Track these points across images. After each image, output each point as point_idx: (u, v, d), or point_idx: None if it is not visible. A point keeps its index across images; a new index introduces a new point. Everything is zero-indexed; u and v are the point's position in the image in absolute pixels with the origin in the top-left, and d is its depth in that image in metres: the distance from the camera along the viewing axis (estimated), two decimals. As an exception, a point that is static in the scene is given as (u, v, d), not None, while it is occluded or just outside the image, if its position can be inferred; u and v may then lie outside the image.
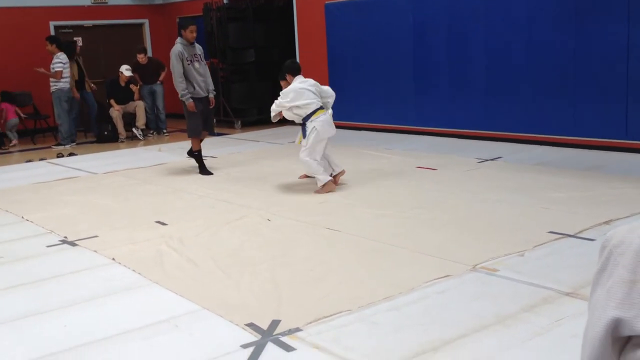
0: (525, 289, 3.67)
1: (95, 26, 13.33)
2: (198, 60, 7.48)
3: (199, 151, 7.72)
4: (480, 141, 8.67)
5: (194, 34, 7.45)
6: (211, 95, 7.69)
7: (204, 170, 7.67)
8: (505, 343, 3.06)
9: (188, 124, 7.68)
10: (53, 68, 10.76)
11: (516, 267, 4.01)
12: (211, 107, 7.76)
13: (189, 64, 7.37)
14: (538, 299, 3.52)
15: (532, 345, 3.01)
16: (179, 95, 7.44)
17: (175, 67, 7.31)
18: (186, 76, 7.36)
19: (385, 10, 9.91)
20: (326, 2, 10.79)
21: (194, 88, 7.41)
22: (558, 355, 2.91)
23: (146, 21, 13.94)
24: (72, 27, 13.08)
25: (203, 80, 7.52)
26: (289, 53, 11.74)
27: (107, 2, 13.36)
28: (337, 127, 10.26)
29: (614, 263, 1.42)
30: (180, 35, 7.50)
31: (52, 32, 12.62)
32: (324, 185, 6.35)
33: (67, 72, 10.81)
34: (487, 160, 7.49)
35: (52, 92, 10.80)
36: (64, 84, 10.77)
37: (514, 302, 3.50)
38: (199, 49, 7.60)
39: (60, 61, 10.76)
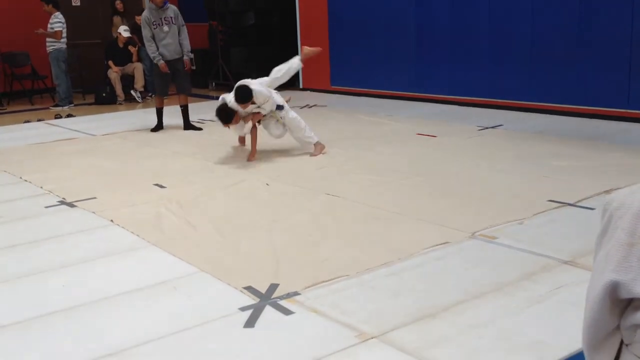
0: (524, 257, 3.67)
1: (93, -15, 13.12)
2: (168, 24, 7.70)
3: (160, 109, 8.09)
4: (481, 109, 8.61)
5: None
6: (186, 58, 7.95)
7: (156, 128, 8.06)
8: (503, 310, 3.06)
9: (156, 84, 8.27)
10: (52, 27, 10.62)
11: (515, 235, 4.01)
12: (186, 68, 8.02)
13: (155, 28, 7.65)
14: (537, 267, 3.52)
15: (531, 312, 3.02)
16: (152, 59, 7.81)
17: (143, 32, 7.74)
18: (154, 39, 7.68)
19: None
20: (328, -36, 10.63)
21: (161, 50, 7.73)
22: (557, 322, 2.91)
23: (145, -20, 13.72)
24: (70, -14, 12.87)
25: (172, 43, 7.75)
26: (289, 17, 11.61)
27: (106, -39, 13.11)
28: (337, 92, 10.19)
29: (613, 226, 1.41)
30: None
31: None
32: (316, 145, 6.35)
33: (65, 32, 10.68)
34: (487, 128, 7.45)
35: (50, 52, 10.66)
36: (62, 44, 10.65)
37: (513, 269, 3.50)
38: (172, 10, 7.81)
39: (59, 20, 10.63)
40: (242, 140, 6.77)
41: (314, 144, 6.41)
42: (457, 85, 9.07)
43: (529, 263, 3.58)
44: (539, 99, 8.14)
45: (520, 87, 8.31)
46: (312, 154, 6.35)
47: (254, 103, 6.13)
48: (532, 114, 8.08)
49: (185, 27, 7.94)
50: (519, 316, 3.00)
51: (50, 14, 10.64)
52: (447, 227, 4.19)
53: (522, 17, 8.18)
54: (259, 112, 6.29)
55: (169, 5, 7.77)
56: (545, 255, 3.65)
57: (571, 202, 4.59)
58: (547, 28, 7.97)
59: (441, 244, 3.90)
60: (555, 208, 4.49)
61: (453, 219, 4.35)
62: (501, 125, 7.56)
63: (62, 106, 10.78)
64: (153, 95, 11.61)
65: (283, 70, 6.68)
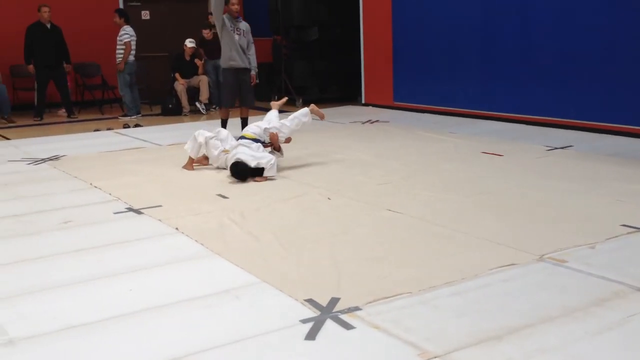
0: (595, 282, 3.54)
1: (162, 0, 13.48)
2: (239, 35, 7.92)
3: (225, 120, 8.23)
4: (549, 128, 8.42)
5: (236, 7, 7.94)
6: (253, 72, 8.14)
7: None
8: (572, 336, 2.95)
9: (221, 94, 8.49)
10: (121, 40, 10.99)
11: (586, 259, 3.88)
12: (252, 83, 8.19)
13: (230, 30, 7.82)
14: (609, 293, 3.39)
15: (602, 340, 2.90)
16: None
17: (217, 25, 7.89)
18: (227, 41, 7.85)
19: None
20: (394, -21, 10.63)
21: (233, 54, 7.86)
22: (630, 351, 2.80)
23: (213, -4, 14.01)
24: (140, 0, 13.26)
25: (242, 54, 7.93)
26: (352, 32, 11.65)
27: (176, -24, 13.49)
28: (400, 109, 10.17)
29: None
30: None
31: (121, 5, 12.85)
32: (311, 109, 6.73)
33: (134, 45, 11.01)
34: (557, 148, 7.26)
35: (118, 64, 11.03)
36: (131, 56, 10.98)
37: (583, 294, 3.38)
38: (244, 25, 8.05)
39: (126, 33, 11.03)
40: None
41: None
42: (524, 103, 8.90)
43: (600, 289, 3.45)
44: (611, 120, 7.90)
45: (592, 106, 8.09)
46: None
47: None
48: (603, 135, 7.84)
49: (253, 44, 8.17)
50: (589, 343, 2.89)
51: (120, 26, 10.98)
52: (514, 248, 4.09)
53: (593, 35, 7.98)
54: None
55: (241, 19, 7.99)
56: (618, 282, 3.52)
57: (646, 227, 4.42)
58: (619, 46, 7.74)
59: (507, 265, 3.80)
60: (629, 233, 4.32)
61: (520, 240, 4.24)
62: (571, 145, 7.36)
63: (130, 116, 11.08)
64: (217, 108, 11.86)
65: (294, 119, 6.68)
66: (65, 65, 11.17)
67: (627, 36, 7.65)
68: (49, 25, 10.96)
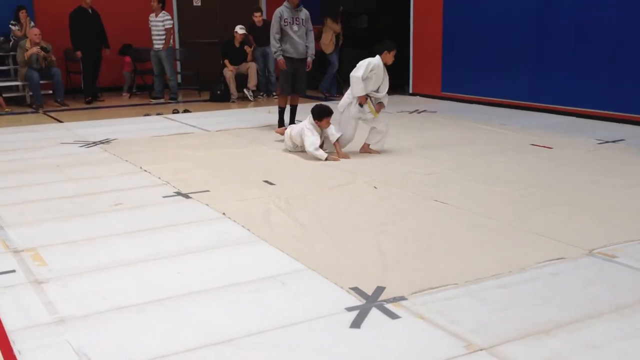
0: (646, 279, 3.47)
1: (213, -14, 13.60)
2: (298, 24, 7.84)
3: (283, 108, 8.21)
4: (601, 121, 8.24)
5: None
6: (309, 59, 8.08)
7: (280, 126, 8.08)
8: (621, 332, 2.91)
9: (279, 83, 8.35)
10: (164, 25, 11.20)
11: (636, 254, 3.80)
12: (308, 69, 8.13)
13: (285, 25, 7.79)
14: (660, 290, 3.33)
15: (652, 338, 2.85)
16: (273, 53, 8.00)
17: (273, 26, 7.84)
18: (282, 36, 7.80)
19: (508, -21, 9.53)
20: (446, -32, 10.50)
21: (287, 47, 7.84)
22: (681, 350, 2.74)
23: (263, -17, 14.08)
24: (191, -14, 13.41)
25: (300, 44, 7.87)
26: (403, 20, 11.55)
27: (227, -37, 13.58)
28: (448, 99, 10.02)
29: None
30: None
31: (171, -9, 13.04)
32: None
33: None
34: (608, 142, 7.11)
35: (165, 50, 11.32)
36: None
37: (633, 291, 3.32)
38: (304, 14, 7.96)
39: (170, 19, 11.31)
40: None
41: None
42: (576, 95, 8.72)
43: (651, 285, 3.38)
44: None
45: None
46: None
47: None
48: (656, 129, 7.65)
49: (312, 31, 8.08)
50: (637, 340, 2.84)
51: (156, 11, 11.24)
52: (563, 242, 4.03)
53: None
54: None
55: (302, 7, 7.93)
56: (670, 279, 3.44)
57: (700, 224, 4.30)
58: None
59: (556, 259, 3.75)
60: (682, 230, 4.22)
61: (569, 234, 4.17)
62: (623, 139, 7.19)
63: (175, 99, 11.36)
64: (264, 95, 11.95)
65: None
66: (104, 50, 11.42)
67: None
68: (90, 11, 11.21)
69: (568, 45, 8.76)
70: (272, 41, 7.87)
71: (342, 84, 11.92)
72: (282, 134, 7.21)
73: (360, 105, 6.62)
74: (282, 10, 7.81)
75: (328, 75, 11.86)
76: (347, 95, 6.72)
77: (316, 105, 6.80)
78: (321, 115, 6.55)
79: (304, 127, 6.60)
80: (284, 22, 7.77)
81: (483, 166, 6.14)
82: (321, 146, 6.56)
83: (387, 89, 6.71)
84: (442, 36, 10.70)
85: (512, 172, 5.87)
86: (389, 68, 6.75)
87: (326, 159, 6.40)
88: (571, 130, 7.83)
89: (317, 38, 12.88)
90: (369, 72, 6.49)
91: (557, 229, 4.29)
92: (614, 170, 5.84)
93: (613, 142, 7.11)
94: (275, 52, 7.90)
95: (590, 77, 8.52)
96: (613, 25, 8.17)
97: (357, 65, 6.56)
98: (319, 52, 11.57)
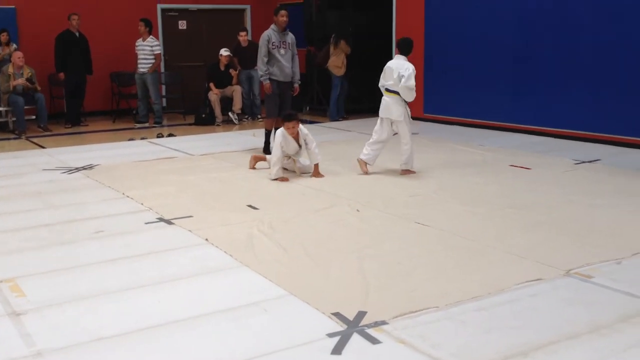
0: (621, 299, 3.53)
1: (199, 10, 13.71)
2: (285, 48, 7.93)
3: (270, 131, 8.16)
4: (577, 142, 8.37)
5: (285, 19, 7.91)
6: (296, 85, 8.16)
7: (266, 149, 8.10)
8: (599, 353, 2.96)
9: (266, 105, 8.30)
10: (152, 50, 11.28)
11: (613, 275, 3.87)
12: (294, 94, 8.22)
13: (273, 49, 7.86)
14: (635, 309, 3.39)
15: (628, 357, 2.90)
16: (260, 77, 8.04)
17: (261, 49, 7.90)
18: (270, 59, 7.86)
19: (487, 1, 9.67)
20: (426, -8, 10.66)
21: (274, 70, 7.90)
22: (656, 371, 2.79)
23: (248, 7, 14.19)
24: (177, 10, 13.50)
25: (287, 67, 7.95)
26: (385, 43, 11.68)
27: (212, -13, 13.71)
28: (429, 120, 10.10)
29: None
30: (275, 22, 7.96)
31: (159, 15, 13.12)
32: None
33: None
34: (584, 162, 7.22)
35: (151, 73, 11.39)
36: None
37: (610, 311, 3.38)
38: (290, 37, 8.04)
39: (158, 44, 11.46)
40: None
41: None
42: (553, 116, 8.85)
43: (627, 305, 3.45)
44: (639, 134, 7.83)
45: (620, 121, 8.02)
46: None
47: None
48: (631, 149, 7.78)
49: (297, 56, 8.16)
50: (615, 361, 2.89)
51: (143, 35, 11.35)
52: (541, 263, 4.09)
53: (625, 49, 7.91)
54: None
55: (289, 31, 8.02)
56: (645, 299, 3.50)
57: (675, 243, 4.38)
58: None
59: (534, 280, 3.81)
60: (657, 249, 4.30)
61: (547, 254, 4.24)
62: (599, 159, 7.31)
63: (160, 124, 11.38)
64: (249, 118, 11.99)
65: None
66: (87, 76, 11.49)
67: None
68: (77, 34, 11.27)
69: (545, 68, 8.91)
70: (260, 64, 7.93)
71: (327, 107, 12.00)
72: (263, 159, 7.27)
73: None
74: (270, 33, 7.89)
75: (334, 98, 11.74)
76: (398, 104, 6.75)
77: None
78: (288, 118, 6.65)
79: (277, 138, 6.75)
80: (272, 45, 7.85)
81: (464, 187, 6.21)
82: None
83: None
84: (423, 59, 10.83)
85: (492, 193, 5.95)
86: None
87: (275, 179, 6.58)
88: (548, 150, 7.94)
89: (303, 59, 13.04)
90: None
91: (535, 249, 4.36)
92: (590, 190, 5.94)
93: (589, 162, 7.22)
94: (262, 76, 7.95)
95: (566, 98, 8.66)
96: (589, 47, 8.32)
97: (405, 74, 6.54)
98: (327, 75, 11.71)
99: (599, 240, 4.52)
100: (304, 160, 6.88)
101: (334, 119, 11.65)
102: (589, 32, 8.32)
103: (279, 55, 7.87)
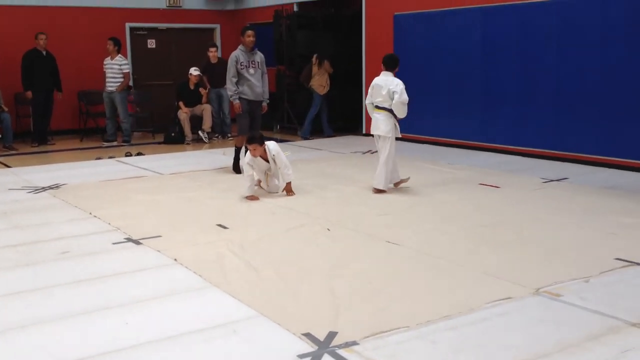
0: (589, 317, 3.56)
1: (168, 29, 13.67)
2: (254, 67, 7.94)
3: (239, 148, 8.13)
4: (546, 160, 8.49)
5: (252, 39, 7.92)
6: (264, 103, 8.19)
7: (236, 166, 8.11)
8: (567, 372, 2.97)
9: (237, 123, 8.27)
10: (121, 68, 11.22)
11: (581, 293, 3.90)
12: (263, 112, 8.24)
13: (242, 69, 7.87)
14: (603, 328, 3.42)
15: (597, 377, 2.92)
16: (229, 97, 8.04)
17: (229, 69, 7.91)
18: (239, 79, 7.88)
19: (455, 23, 9.82)
20: (395, 13, 10.77)
21: (244, 89, 7.89)
22: (624, 389, 2.81)
23: (218, 26, 14.21)
24: (146, 29, 13.46)
25: (257, 86, 7.95)
26: (356, 63, 11.77)
27: (181, 6, 13.68)
28: (400, 139, 10.19)
29: None
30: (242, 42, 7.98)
31: (128, 34, 13.06)
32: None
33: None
34: (552, 180, 7.31)
35: (119, 92, 11.32)
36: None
37: (578, 329, 3.40)
38: (259, 56, 8.05)
39: (127, 63, 11.42)
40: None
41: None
42: (521, 135, 8.98)
43: (595, 324, 3.47)
44: (606, 153, 7.98)
45: (587, 140, 8.17)
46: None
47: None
48: (598, 167, 7.92)
49: (266, 74, 8.15)
50: (584, 379, 2.91)
51: (112, 54, 11.30)
52: (510, 281, 4.12)
53: (591, 71, 8.08)
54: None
55: (257, 50, 8.02)
56: (613, 316, 3.54)
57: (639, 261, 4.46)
58: (615, 82, 7.84)
59: (503, 299, 3.83)
60: (623, 267, 4.36)
61: (516, 273, 4.27)
62: (567, 178, 7.41)
63: (129, 143, 11.29)
64: (219, 137, 11.94)
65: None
66: (56, 93, 11.38)
67: (621, 73, 7.75)
68: (44, 53, 11.18)
69: (513, 87, 9.05)
70: (229, 85, 7.92)
71: (297, 126, 12.01)
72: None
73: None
74: (238, 54, 7.88)
75: (311, 116, 11.78)
76: (388, 120, 6.85)
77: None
78: (249, 141, 6.69)
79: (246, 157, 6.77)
80: (240, 65, 7.84)
81: (434, 206, 6.25)
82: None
83: None
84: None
85: (462, 212, 5.99)
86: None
87: (246, 197, 6.60)
88: (517, 169, 8.04)
89: (273, 78, 13.08)
90: None
91: (504, 268, 4.39)
92: (558, 209, 6.01)
93: (557, 180, 7.32)
94: (231, 96, 7.94)
95: (534, 118, 8.79)
96: (555, 68, 8.48)
97: (397, 90, 6.68)
98: (303, 94, 11.73)
99: (567, 259, 4.57)
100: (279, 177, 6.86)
101: (306, 137, 11.66)
102: (555, 53, 8.47)
103: (248, 75, 7.88)
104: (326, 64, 11.64)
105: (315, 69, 11.69)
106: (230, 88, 7.93)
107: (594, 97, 8.08)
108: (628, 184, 7.07)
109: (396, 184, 7.01)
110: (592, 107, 8.11)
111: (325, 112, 11.83)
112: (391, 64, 6.90)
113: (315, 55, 11.72)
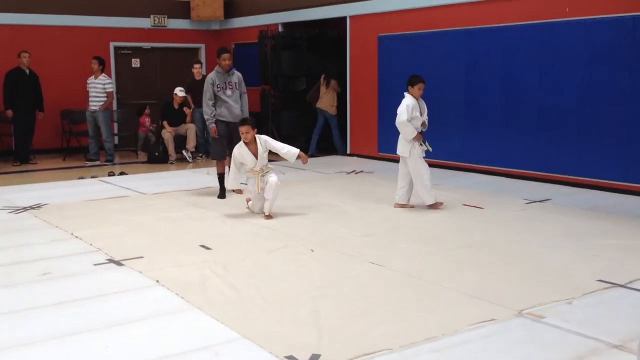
0: (572, 339, 3.57)
1: (153, 48, 13.68)
2: (231, 88, 7.84)
3: (222, 174, 7.94)
4: (529, 182, 8.54)
5: (227, 62, 7.83)
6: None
7: (221, 193, 7.91)
8: (550, 395, 2.97)
9: (212, 148, 8.27)
10: (104, 88, 11.22)
11: (564, 315, 3.91)
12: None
13: (219, 91, 7.78)
14: (586, 350, 3.42)
15: (579, 399, 2.92)
16: (206, 120, 7.96)
17: (206, 92, 7.81)
18: (216, 101, 7.82)
19: (438, 44, 9.91)
20: (379, 34, 10.86)
21: (222, 111, 7.82)
22: (606, 411, 2.81)
23: (202, 46, 14.23)
24: (131, 48, 13.46)
25: (235, 107, 7.85)
26: (340, 83, 11.82)
27: (166, 26, 13.70)
28: (384, 159, 10.18)
29: None
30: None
31: (112, 53, 13.06)
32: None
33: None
34: (535, 201, 7.36)
35: (103, 111, 11.31)
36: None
37: (561, 351, 3.41)
38: (237, 77, 7.94)
39: (111, 82, 11.43)
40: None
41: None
42: (504, 156, 9.04)
43: (578, 345, 3.48)
44: (589, 175, 8.05)
45: (570, 161, 8.24)
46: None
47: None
48: (581, 189, 7.98)
49: (246, 94, 8.05)
50: (567, 402, 2.90)
51: (96, 73, 11.32)
52: (493, 303, 4.12)
53: (572, 92, 8.18)
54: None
55: (234, 70, 7.94)
56: (595, 338, 3.55)
57: (622, 282, 4.48)
58: (597, 103, 7.93)
59: (487, 321, 3.83)
60: (605, 289, 4.38)
61: (499, 295, 4.27)
62: (549, 199, 7.46)
63: (112, 162, 11.25)
64: (203, 156, 11.91)
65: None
66: (38, 112, 11.32)
67: (603, 94, 7.85)
68: (27, 71, 11.14)
69: (496, 109, 9.13)
70: (205, 108, 7.82)
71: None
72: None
73: (420, 143, 7.03)
74: (214, 76, 7.77)
75: (317, 135, 11.98)
76: (402, 140, 7.10)
77: None
78: (241, 122, 6.84)
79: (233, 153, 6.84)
80: (217, 87, 7.74)
81: (418, 227, 6.26)
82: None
83: (426, 112, 7.18)
84: (377, 99, 10.99)
85: (445, 233, 6.00)
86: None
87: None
88: (500, 190, 8.08)
89: (257, 98, 13.09)
90: (411, 113, 6.88)
91: (487, 289, 4.39)
92: (541, 230, 6.04)
93: (540, 201, 7.37)
94: (208, 120, 7.83)
95: (517, 139, 8.86)
96: (537, 90, 8.57)
97: (398, 111, 6.97)
98: (323, 114, 11.77)
99: (549, 280, 4.58)
100: (272, 177, 6.73)
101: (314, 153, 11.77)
102: (537, 75, 8.56)
103: (225, 97, 7.77)
104: (333, 83, 11.74)
105: (323, 89, 11.78)
106: (206, 112, 7.81)
107: (576, 119, 8.16)
108: (610, 205, 7.12)
109: (401, 205, 7.08)
110: (574, 128, 8.19)
111: (336, 129, 11.91)
112: (407, 82, 7.11)
113: (322, 76, 11.82)
